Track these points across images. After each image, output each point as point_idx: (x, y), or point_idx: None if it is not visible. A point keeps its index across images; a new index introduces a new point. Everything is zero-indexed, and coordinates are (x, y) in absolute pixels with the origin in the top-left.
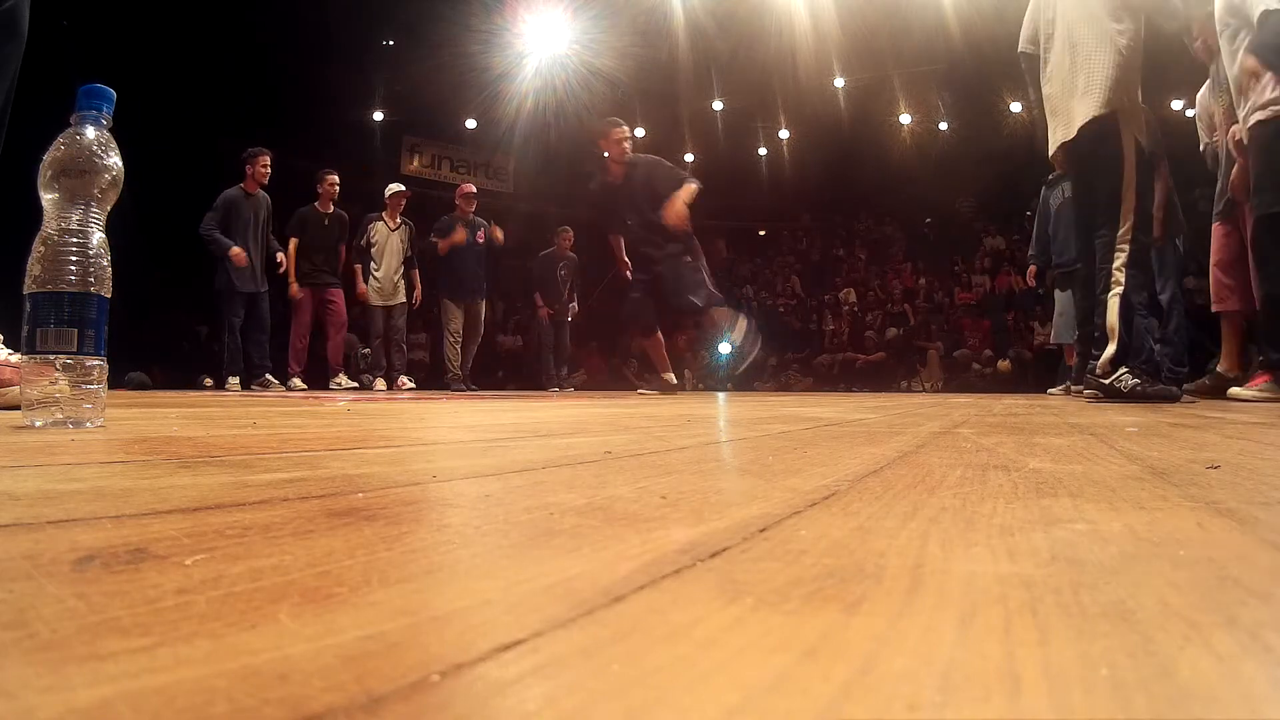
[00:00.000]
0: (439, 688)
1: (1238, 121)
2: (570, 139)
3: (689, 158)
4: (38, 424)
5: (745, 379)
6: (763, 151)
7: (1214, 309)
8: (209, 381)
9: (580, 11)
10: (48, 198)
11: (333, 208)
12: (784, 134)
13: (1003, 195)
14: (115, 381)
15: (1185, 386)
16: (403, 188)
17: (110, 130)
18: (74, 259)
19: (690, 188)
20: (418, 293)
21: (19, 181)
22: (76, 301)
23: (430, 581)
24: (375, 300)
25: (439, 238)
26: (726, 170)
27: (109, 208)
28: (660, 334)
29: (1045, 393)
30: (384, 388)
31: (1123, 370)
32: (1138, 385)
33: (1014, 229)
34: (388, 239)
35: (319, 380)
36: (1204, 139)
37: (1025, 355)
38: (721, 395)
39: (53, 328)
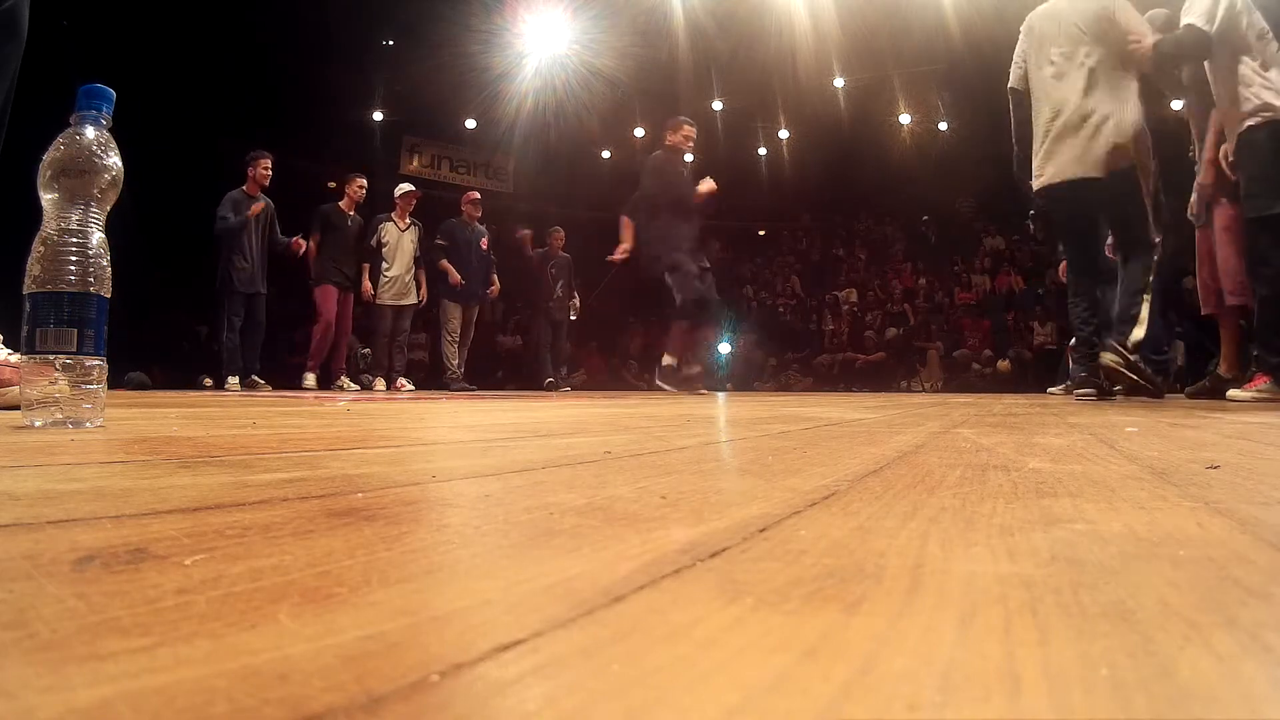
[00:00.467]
0: (439, 688)
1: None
2: (570, 139)
3: (689, 158)
4: (37, 424)
5: (743, 382)
6: (762, 151)
7: (1204, 312)
8: (209, 381)
9: (580, 11)
10: (47, 198)
11: (355, 211)
12: (784, 134)
13: (1003, 195)
14: (115, 381)
15: (1186, 390)
16: (413, 188)
17: (110, 130)
18: (74, 259)
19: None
20: (423, 292)
21: (19, 181)
22: (76, 301)
23: (430, 581)
24: (385, 300)
25: (443, 240)
26: (726, 170)
27: (109, 208)
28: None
29: (1045, 392)
30: (383, 388)
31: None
32: (1146, 369)
33: (1014, 229)
34: (399, 239)
35: (321, 382)
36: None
37: (1025, 355)
38: (721, 395)
39: (52, 328)
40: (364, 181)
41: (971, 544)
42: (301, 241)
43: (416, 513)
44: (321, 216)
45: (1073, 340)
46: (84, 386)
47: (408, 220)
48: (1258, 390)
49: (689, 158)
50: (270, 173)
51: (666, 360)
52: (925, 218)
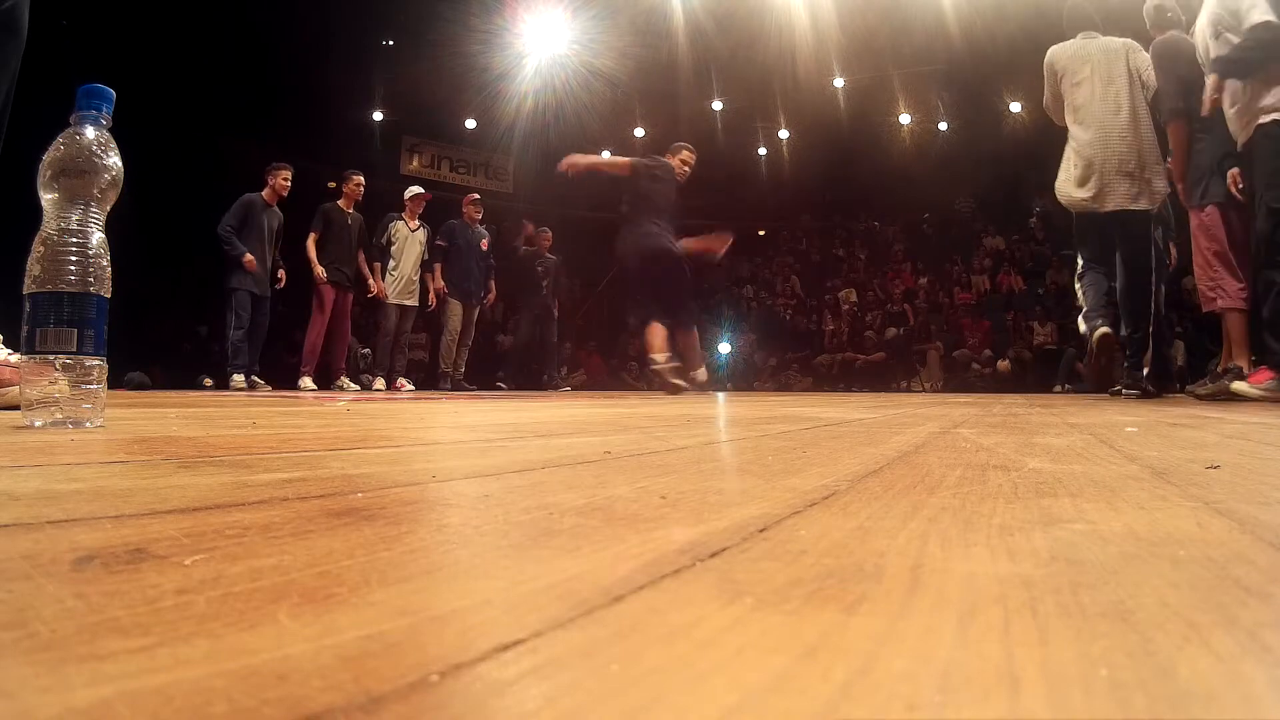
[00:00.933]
0: (438, 688)
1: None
2: (570, 139)
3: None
4: (37, 424)
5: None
6: (762, 151)
7: (1205, 310)
8: (209, 381)
9: (580, 11)
10: (47, 198)
11: (354, 209)
12: (784, 134)
13: (1002, 195)
14: (115, 381)
15: (1199, 392)
16: (422, 190)
17: (110, 130)
18: (73, 259)
19: None
20: (432, 296)
21: (19, 181)
22: (76, 301)
23: (429, 581)
24: (391, 299)
25: (444, 241)
26: (726, 170)
27: (109, 208)
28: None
29: (1053, 390)
30: (382, 387)
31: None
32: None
33: (1014, 229)
34: (408, 239)
35: (320, 382)
36: None
37: (1025, 355)
38: (721, 395)
39: (52, 328)
40: (361, 179)
41: (971, 544)
42: (283, 275)
43: (416, 513)
44: (322, 215)
45: (1086, 310)
46: (84, 386)
47: (417, 221)
48: (1265, 386)
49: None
50: (290, 184)
51: (698, 374)
52: (926, 215)
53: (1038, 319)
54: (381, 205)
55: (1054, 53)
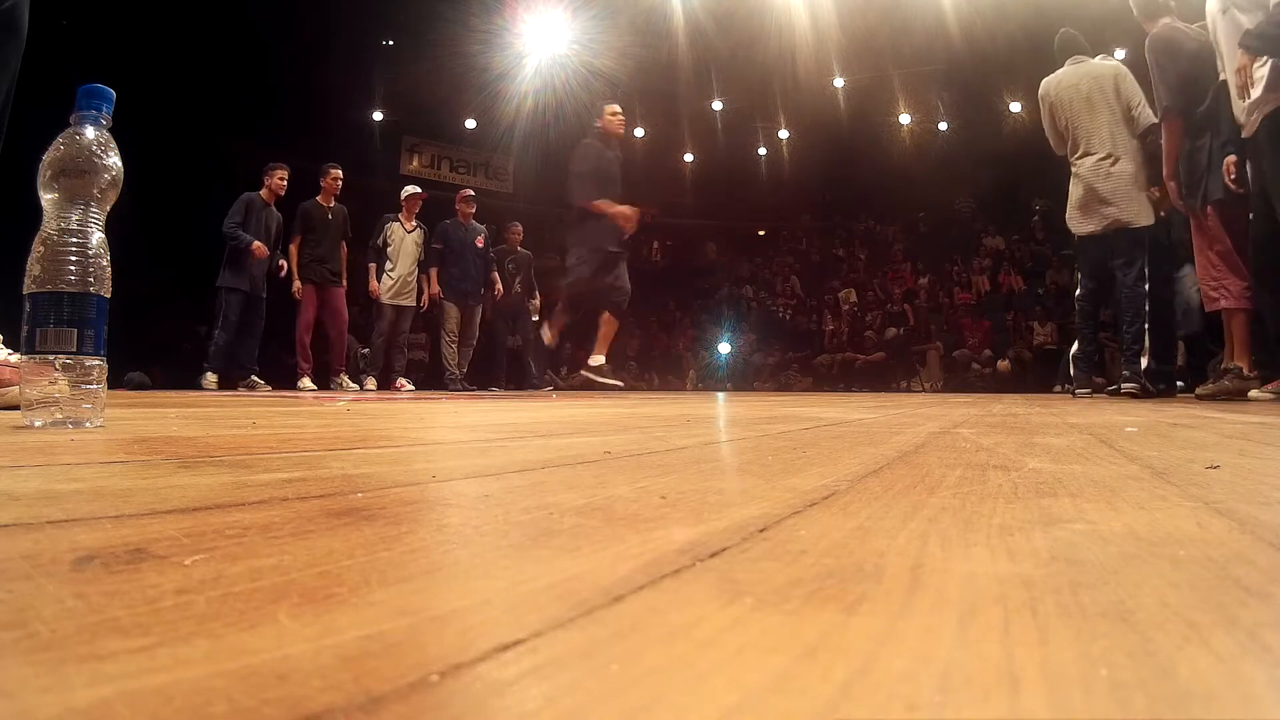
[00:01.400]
0: (438, 688)
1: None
2: (570, 139)
3: (689, 158)
4: (37, 424)
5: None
6: (762, 151)
7: (1208, 310)
8: (216, 380)
9: (580, 11)
10: (47, 198)
11: (334, 202)
12: (784, 134)
13: (1002, 195)
14: (115, 381)
15: (1200, 392)
16: (419, 190)
17: (110, 130)
18: (73, 259)
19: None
20: (426, 297)
21: (19, 181)
22: (76, 301)
23: (429, 581)
24: (387, 299)
25: (438, 243)
26: (726, 170)
27: (108, 208)
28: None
29: (1053, 390)
30: (374, 387)
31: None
32: (1157, 387)
33: (1014, 229)
34: (403, 240)
35: (319, 382)
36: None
37: (1025, 355)
38: (721, 395)
39: (52, 328)
40: (339, 171)
41: (971, 544)
42: (284, 263)
43: (416, 513)
44: (302, 215)
45: (1075, 349)
46: (84, 386)
47: (414, 222)
48: (1276, 389)
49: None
50: (286, 184)
51: (599, 360)
52: (921, 214)
53: (1038, 319)
54: (382, 205)
55: (1045, 84)
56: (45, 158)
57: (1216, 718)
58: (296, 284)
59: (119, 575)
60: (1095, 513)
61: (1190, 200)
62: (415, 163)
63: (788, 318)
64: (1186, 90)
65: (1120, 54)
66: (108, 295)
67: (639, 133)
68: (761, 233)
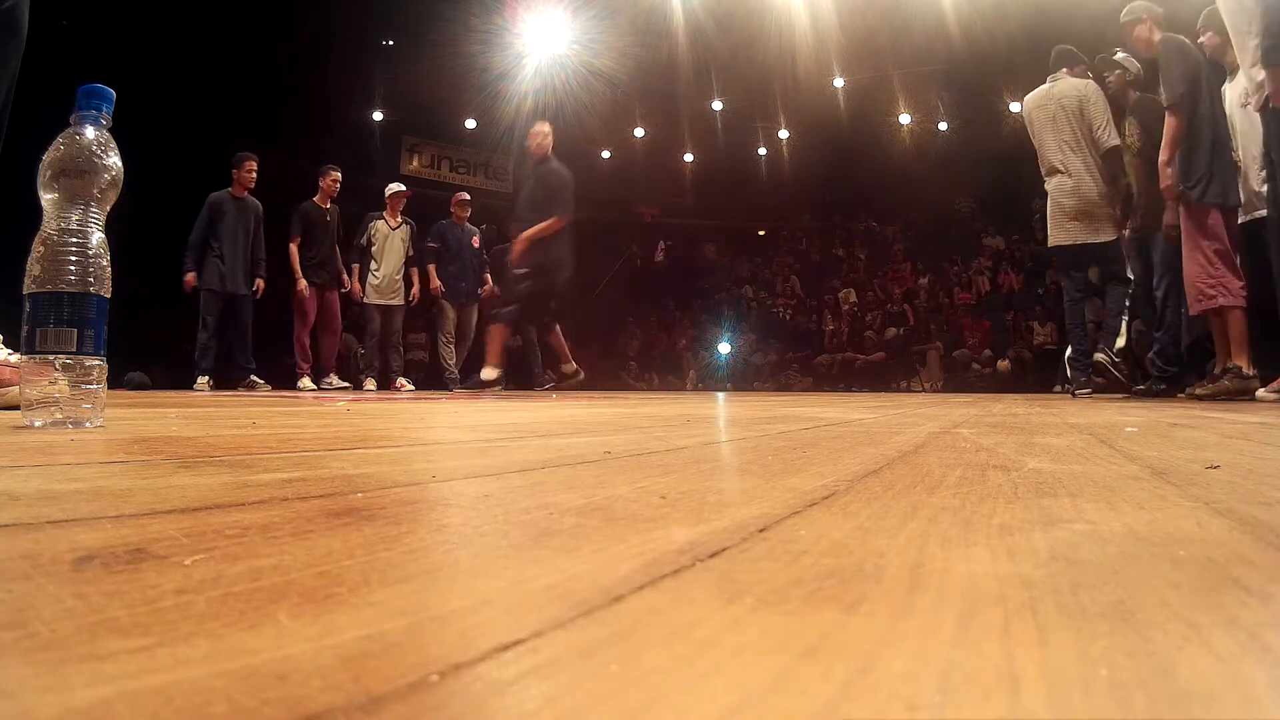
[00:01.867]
0: (438, 688)
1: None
2: (570, 139)
3: (689, 158)
4: (37, 424)
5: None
6: (762, 151)
7: (1194, 313)
8: (210, 382)
9: (580, 11)
10: (47, 198)
11: (330, 204)
12: (784, 134)
13: (1002, 195)
14: (115, 381)
15: (1198, 392)
16: (403, 187)
17: (110, 130)
18: (73, 259)
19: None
20: (415, 291)
21: (19, 181)
22: (76, 301)
23: (429, 582)
24: (374, 299)
25: (435, 242)
26: (726, 170)
27: (108, 208)
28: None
29: (1053, 390)
30: (373, 388)
31: (1118, 360)
32: (1121, 371)
33: (1014, 229)
34: (388, 238)
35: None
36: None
37: (1025, 355)
38: (721, 395)
39: (52, 327)
40: (338, 174)
41: (971, 544)
42: (260, 284)
43: (416, 513)
44: (300, 216)
45: (1070, 351)
46: (84, 386)
47: (399, 219)
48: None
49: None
50: (255, 175)
51: (567, 367)
52: (911, 214)
53: (1038, 319)
54: (382, 205)
55: (1025, 102)
56: (45, 158)
57: (1216, 718)
58: (301, 284)
59: (119, 575)
60: (1095, 513)
61: (1192, 191)
62: (415, 163)
63: (788, 318)
64: (1192, 85)
65: (1120, 54)
66: (108, 295)
67: (639, 133)
68: (761, 233)
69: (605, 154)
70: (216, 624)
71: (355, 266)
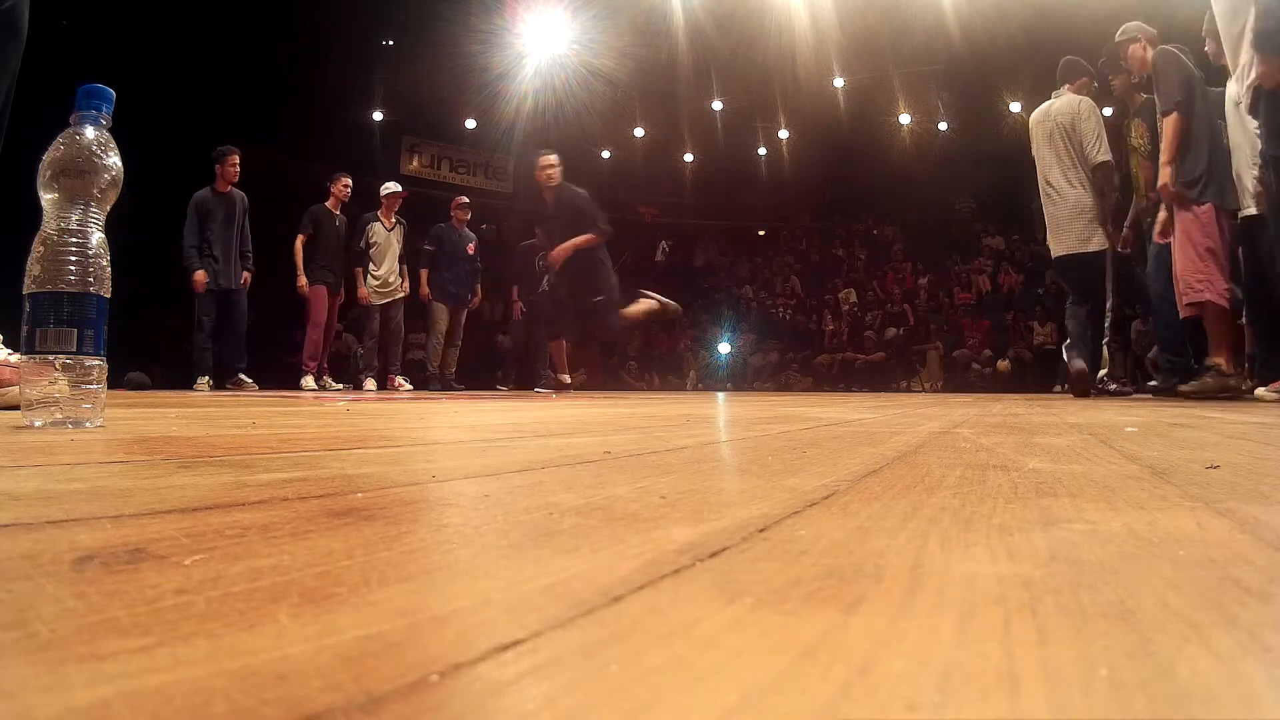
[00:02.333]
0: (438, 688)
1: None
2: (570, 139)
3: (689, 158)
4: (37, 424)
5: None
6: (762, 151)
7: (1186, 301)
8: (209, 382)
9: (580, 11)
10: (47, 198)
11: (341, 210)
12: (784, 134)
13: (1002, 195)
14: (115, 381)
15: (1182, 389)
16: (399, 188)
17: (110, 130)
18: (73, 259)
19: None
20: (405, 284)
21: (19, 181)
22: (76, 301)
23: (429, 582)
24: (375, 300)
25: (431, 245)
26: (726, 170)
27: (108, 208)
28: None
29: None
30: (373, 388)
31: (1103, 373)
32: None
33: (1014, 229)
34: (386, 238)
35: (297, 382)
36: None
37: (1025, 355)
38: (721, 395)
39: (52, 327)
40: (349, 180)
41: (971, 544)
42: (247, 277)
43: (416, 513)
44: (311, 217)
45: (1068, 342)
46: (84, 386)
47: (394, 219)
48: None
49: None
50: (238, 169)
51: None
52: (912, 214)
53: (1038, 319)
54: (379, 205)
55: (1030, 118)
56: (45, 158)
57: (1216, 718)
58: (301, 280)
59: (119, 575)
60: (1095, 513)
61: (1189, 191)
62: (415, 163)
63: (787, 318)
64: (1187, 95)
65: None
66: (108, 295)
67: (639, 133)
68: (761, 233)
69: (605, 154)
70: (216, 624)
71: (359, 270)
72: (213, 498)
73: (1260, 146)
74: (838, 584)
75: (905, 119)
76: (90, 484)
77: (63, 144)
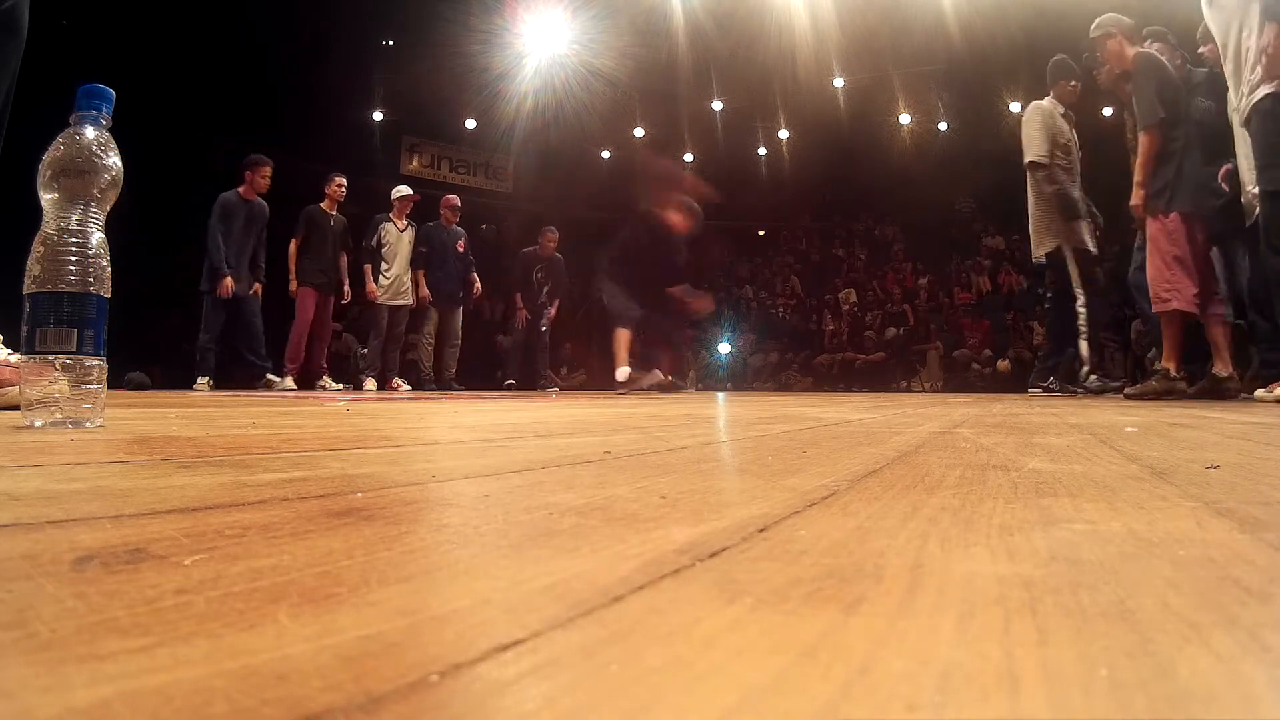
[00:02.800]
0: (438, 688)
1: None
2: (570, 139)
3: (689, 158)
4: (37, 424)
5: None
6: (762, 151)
7: (1155, 309)
8: (209, 382)
9: (580, 11)
10: (47, 198)
11: (336, 210)
12: (784, 134)
13: (1002, 195)
14: (115, 381)
15: (1128, 391)
16: (410, 191)
17: (110, 130)
18: (73, 259)
19: None
20: (417, 293)
21: (19, 181)
22: (76, 301)
23: (429, 582)
24: (384, 299)
25: (423, 246)
26: (726, 170)
27: (108, 208)
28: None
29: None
30: (374, 388)
31: (1087, 371)
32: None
33: (1014, 229)
34: (399, 239)
35: (304, 382)
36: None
37: (1025, 355)
38: (721, 395)
39: (52, 327)
40: (343, 180)
41: (971, 544)
42: (258, 288)
43: (416, 513)
44: (307, 218)
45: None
46: (84, 386)
47: (405, 221)
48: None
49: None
50: (269, 181)
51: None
52: (912, 214)
53: (1038, 319)
54: (383, 205)
55: None
56: (45, 158)
57: (1216, 718)
58: (294, 283)
59: (119, 575)
60: (1095, 513)
61: (1154, 203)
62: (415, 163)
63: (787, 318)
64: (1170, 110)
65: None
66: (108, 295)
67: (639, 133)
68: (761, 233)
69: (605, 154)
70: (216, 624)
71: (368, 268)
72: (213, 498)
73: (1254, 162)
74: (838, 584)
75: (905, 119)
76: (90, 484)
77: (63, 144)
